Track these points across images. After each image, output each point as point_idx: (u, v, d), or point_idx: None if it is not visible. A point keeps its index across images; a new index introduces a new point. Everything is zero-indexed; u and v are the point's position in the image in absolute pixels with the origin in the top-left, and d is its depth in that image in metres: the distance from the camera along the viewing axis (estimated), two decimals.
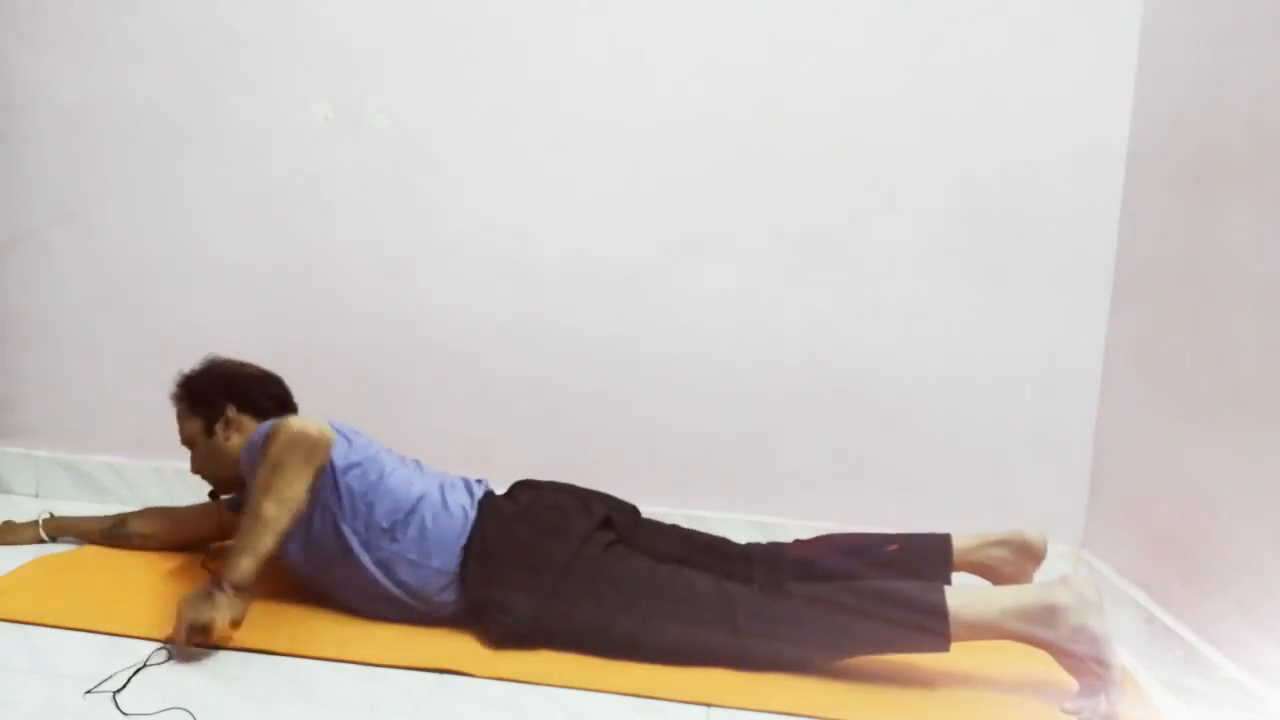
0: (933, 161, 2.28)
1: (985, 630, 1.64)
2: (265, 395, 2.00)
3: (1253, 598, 1.58)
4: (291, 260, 2.46)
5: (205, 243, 2.49)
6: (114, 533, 2.13)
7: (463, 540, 1.81)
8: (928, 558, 1.87)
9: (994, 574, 1.87)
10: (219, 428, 1.95)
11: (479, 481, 1.95)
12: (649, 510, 2.10)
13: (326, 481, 1.79)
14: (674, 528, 2.01)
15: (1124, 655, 1.87)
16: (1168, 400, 1.93)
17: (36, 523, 2.15)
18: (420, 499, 1.83)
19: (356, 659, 1.66)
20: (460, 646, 1.73)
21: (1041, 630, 1.60)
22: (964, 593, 1.68)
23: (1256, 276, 1.63)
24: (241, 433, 1.94)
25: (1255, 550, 1.58)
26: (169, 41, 2.45)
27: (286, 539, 1.71)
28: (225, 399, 1.96)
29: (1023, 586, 1.72)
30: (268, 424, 1.79)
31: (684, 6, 2.31)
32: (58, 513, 2.20)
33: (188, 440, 2.00)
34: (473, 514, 1.84)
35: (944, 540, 1.88)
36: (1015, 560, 1.85)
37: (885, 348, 2.32)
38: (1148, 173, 2.12)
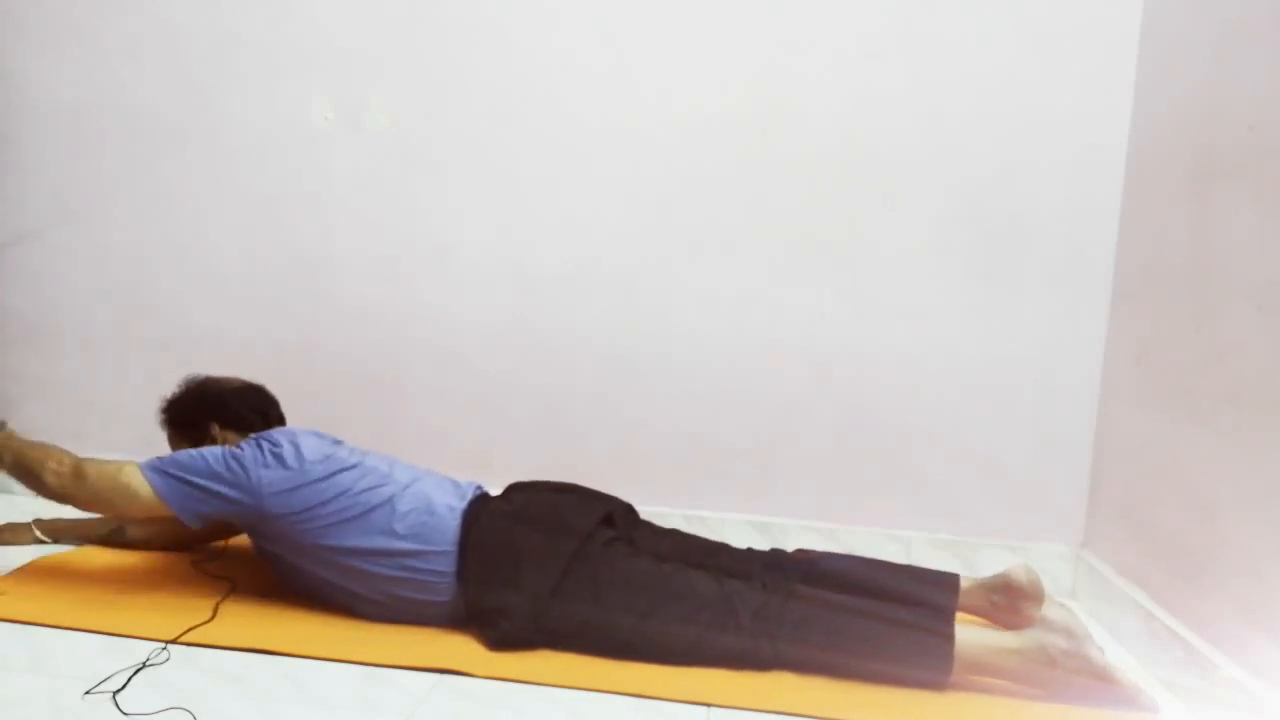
0: (933, 162, 2.28)
1: (986, 667, 1.66)
2: (247, 409, 2.00)
3: (1253, 598, 1.58)
4: (291, 260, 2.46)
5: (205, 243, 2.49)
6: (113, 537, 2.13)
7: (457, 541, 1.80)
8: (937, 585, 1.88)
9: (990, 617, 1.88)
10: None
11: (474, 485, 1.93)
12: (649, 510, 2.10)
13: (281, 517, 1.77)
14: (673, 531, 2.01)
15: (1124, 655, 1.88)
16: (1168, 401, 1.93)
17: (30, 525, 2.14)
18: (392, 499, 1.80)
19: (356, 659, 1.66)
20: (460, 646, 1.73)
21: (1043, 669, 1.64)
22: (969, 628, 1.71)
23: (1256, 276, 1.63)
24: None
25: (1255, 550, 1.58)
26: (169, 41, 2.45)
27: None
28: (208, 418, 1.97)
29: (1019, 631, 1.72)
30: (218, 448, 1.81)
31: (684, 8, 2.31)
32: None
33: None
34: (461, 515, 1.82)
35: (953, 578, 1.91)
36: (1009, 602, 1.86)
37: (885, 348, 2.32)
38: (1148, 173, 2.12)
